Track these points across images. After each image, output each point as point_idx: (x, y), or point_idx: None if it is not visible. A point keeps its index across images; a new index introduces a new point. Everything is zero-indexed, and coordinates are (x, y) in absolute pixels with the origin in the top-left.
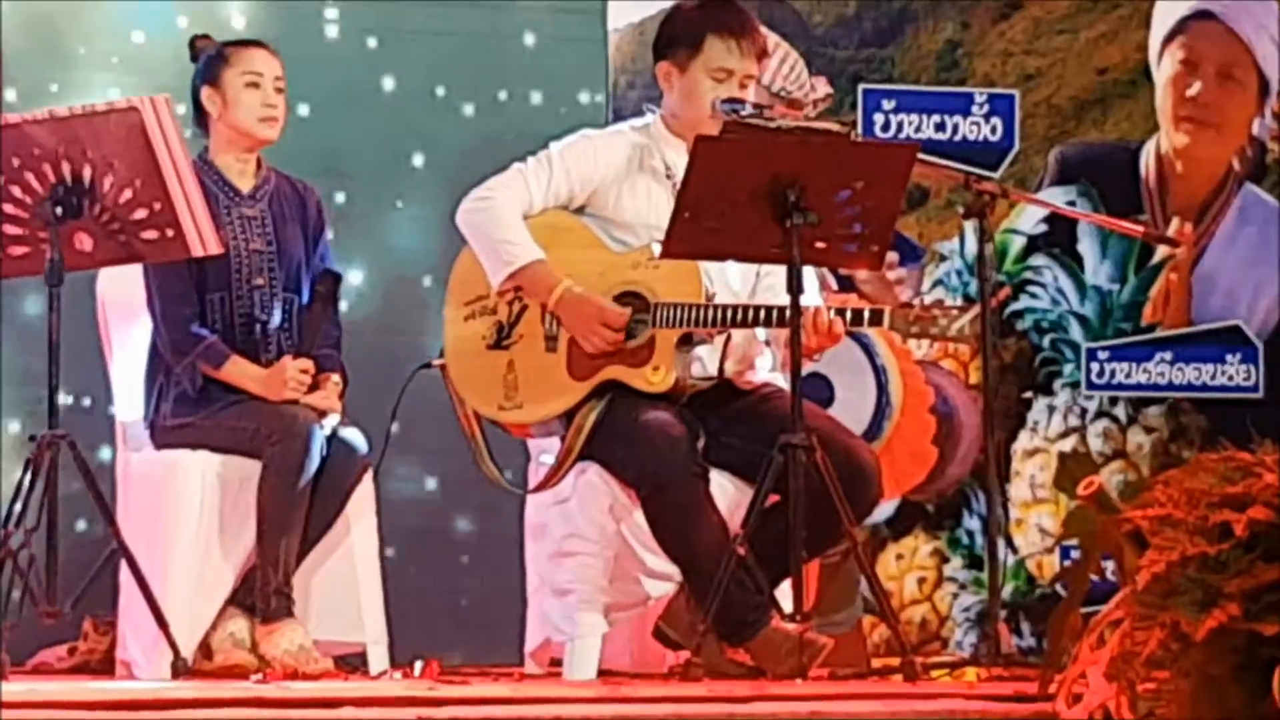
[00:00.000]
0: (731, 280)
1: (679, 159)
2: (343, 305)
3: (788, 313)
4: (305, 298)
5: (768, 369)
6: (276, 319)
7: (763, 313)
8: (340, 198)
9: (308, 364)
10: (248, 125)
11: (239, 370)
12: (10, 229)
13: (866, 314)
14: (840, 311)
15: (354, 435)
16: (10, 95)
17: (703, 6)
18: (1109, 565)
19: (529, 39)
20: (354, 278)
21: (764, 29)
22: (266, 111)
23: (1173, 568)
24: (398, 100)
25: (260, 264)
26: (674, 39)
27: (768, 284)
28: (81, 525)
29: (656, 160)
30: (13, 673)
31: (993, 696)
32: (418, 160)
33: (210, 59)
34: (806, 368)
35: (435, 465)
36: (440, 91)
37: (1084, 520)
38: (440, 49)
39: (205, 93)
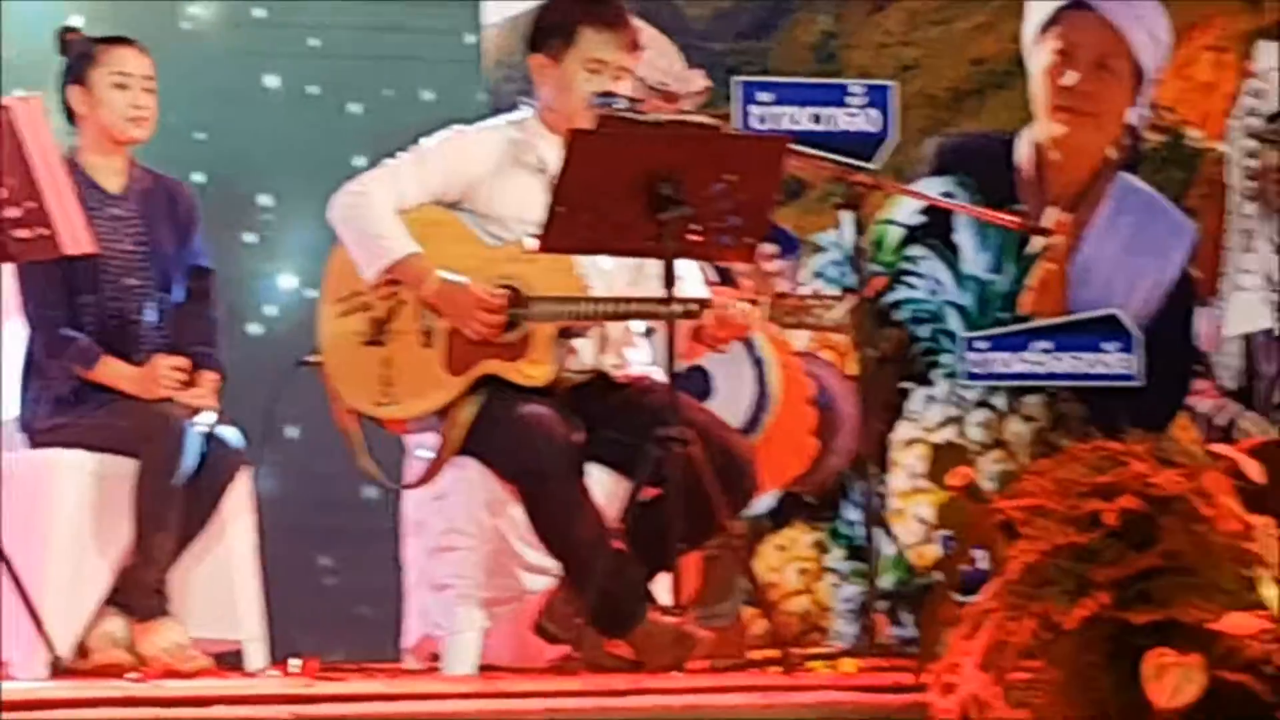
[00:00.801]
0: (610, 273)
1: (554, 153)
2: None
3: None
4: (178, 296)
5: (645, 362)
6: (150, 318)
7: (644, 306)
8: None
9: (181, 362)
10: (116, 126)
11: (111, 370)
12: None
13: (741, 305)
14: (713, 302)
15: (230, 433)
16: None
17: (580, 3)
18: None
19: (406, 35)
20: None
21: (640, 22)
22: (135, 112)
23: (1044, 557)
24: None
25: (131, 264)
26: (548, 31)
27: (648, 275)
28: None
29: (531, 155)
30: None
31: (868, 688)
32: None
33: (78, 57)
34: (685, 362)
35: (314, 461)
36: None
37: (957, 511)
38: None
39: (73, 92)
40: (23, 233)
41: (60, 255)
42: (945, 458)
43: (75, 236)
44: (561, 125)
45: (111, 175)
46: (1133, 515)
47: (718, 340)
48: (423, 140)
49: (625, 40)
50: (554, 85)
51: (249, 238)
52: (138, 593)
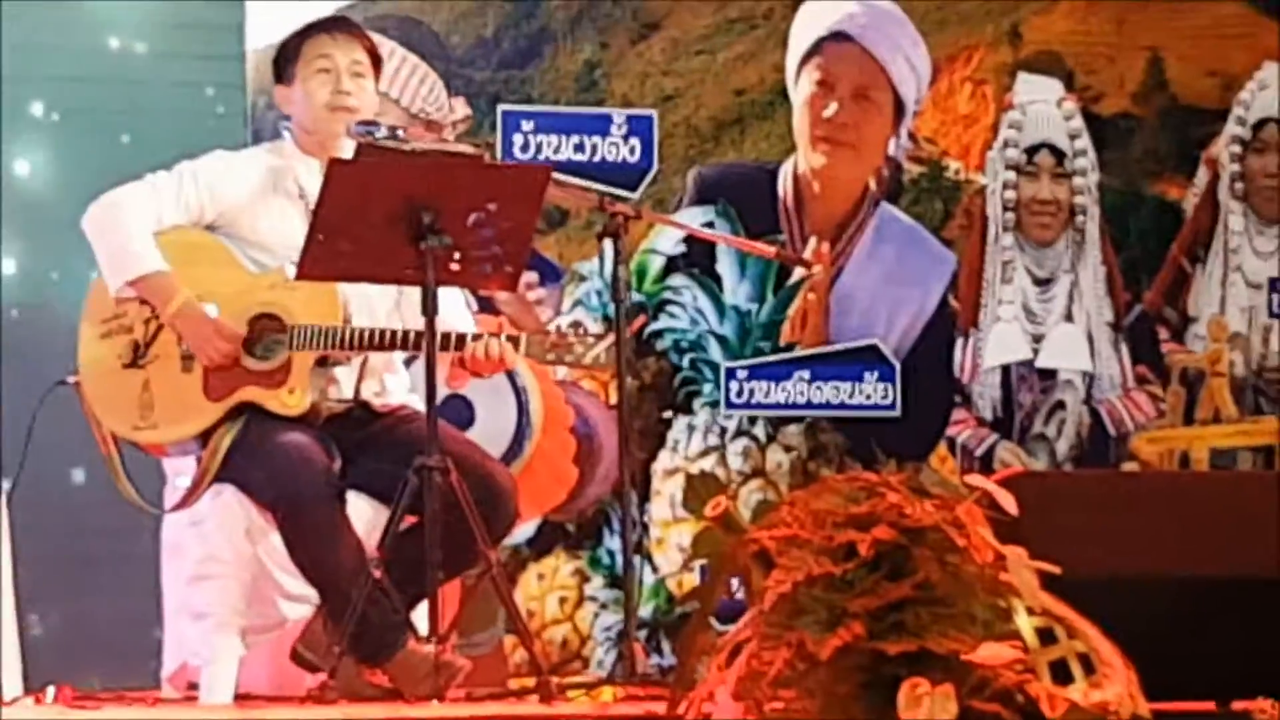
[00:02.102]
0: (373, 299)
1: (313, 178)
2: None
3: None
4: None
5: (405, 390)
6: None
7: (405, 337)
8: None
9: None
10: None
11: None
12: None
13: (503, 340)
14: (477, 337)
15: None
16: None
17: (304, 25)
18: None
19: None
20: None
21: (403, 50)
22: None
23: (799, 588)
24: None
25: None
26: (281, 59)
27: (410, 303)
28: None
29: (290, 181)
30: None
31: (625, 717)
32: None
33: None
34: (447, 390)
35: (71, 485)
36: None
37: (712, 541)
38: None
39: None
40: None
41: None
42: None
43: None
44: (316, 148)
45: None
46: (887, 546)
47: (479, 371)
48: (183, 162)
49: (349, 38)
50: (297, 106)
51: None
52: None
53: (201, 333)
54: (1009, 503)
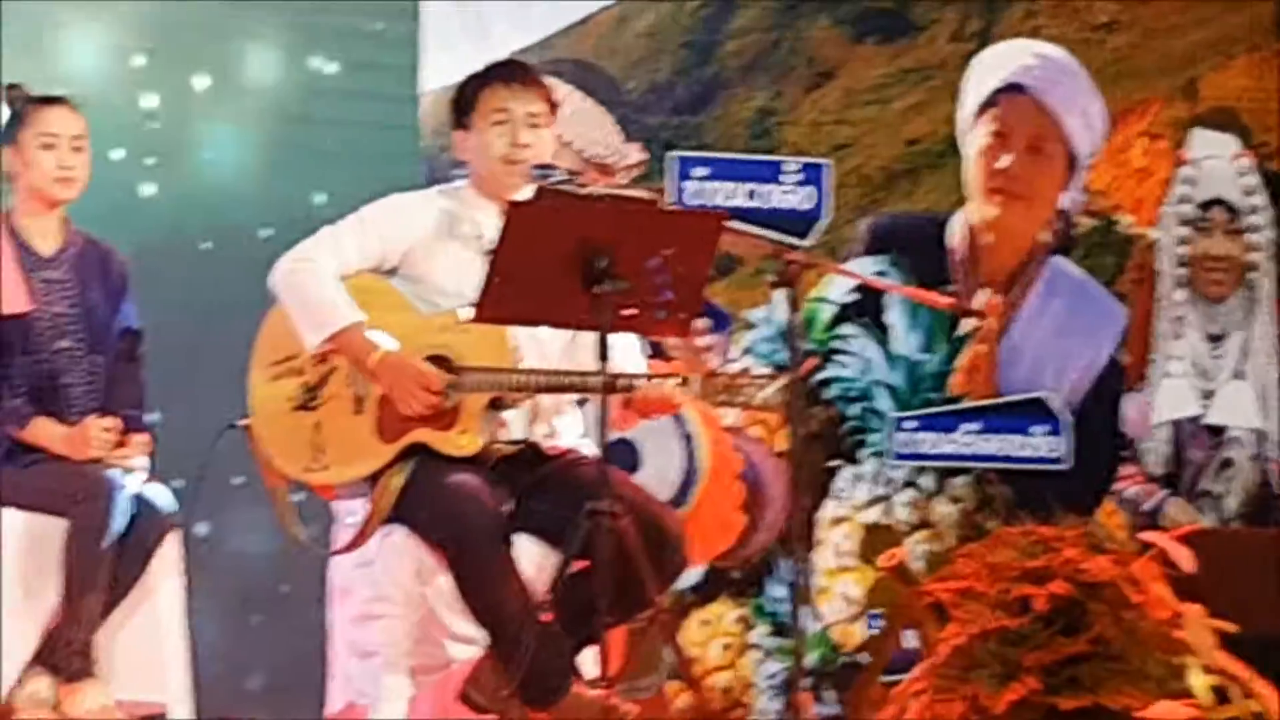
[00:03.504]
0: (544, 343)
1: (488, 222)
2: None
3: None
4: (109, 359)
5: (576, 434)
6: (80, 382)
7: (576, 379)
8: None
9: (112, 422)
10: (43, 186)
11: (43, 431)
12: None
13: (674, 381)
14: (648, 378)
15: (160, 494)
16: None
17: (482, 70)
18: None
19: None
20: None
21: (579, 94)
22: (61, 173)
23: (974, 641)
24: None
25: (63, 326)
26: (458, 105)
27: (582, 346)
28: None
29: (466, 224)
30: None
31: None
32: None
33: (11, 117)
34: (615, 434)
35: (242, 525)
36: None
37: (887, 591)
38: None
39: (5, 153)
40: None
41: None
42: (876, 538)
43: (10, 296)
44: (492, 193)
45: (45, 237)
46: (1063, 601)
47: (648, 413)
48: (364, 208)
49: (526, 88)
50: (474, 153)
51: None
52: (64, 653)
53: (404, 383)
54: (1186, 559)
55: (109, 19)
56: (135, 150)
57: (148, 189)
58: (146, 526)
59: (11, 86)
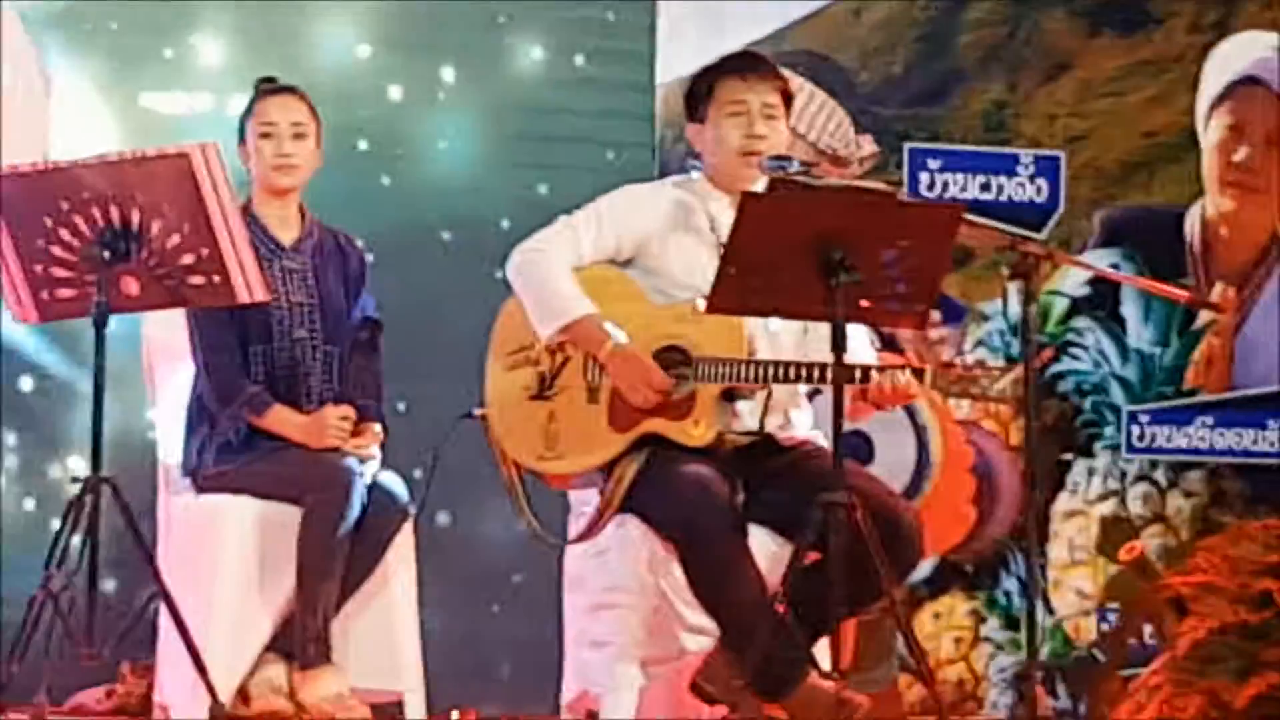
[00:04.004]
0: (777, 334)
1: (722, 213)
2: None
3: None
4: (346, 348)
5: (808, 425)
6: (318, 371)
7: (810, 370)
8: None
9: (348, 411)
10: (263, 174)
11: (281, 418)
12: (58, 271)
13: (908, 373)
14: (883, 370)
15: (394, 483)
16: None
17: (716, 61)
18: (1147, 629)
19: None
20: None
21: (812, 86)
22: (279, 160)
23: (1213, 635)
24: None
25: (302, 316)
26: (693, 97)
27: (815, 338)
28: (123, 568)
29: (700, 215)
30: (51, 713)
31: None
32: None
33: (244, 111)
34: (847, 425)
35: (475, 515)
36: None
37: (1125, 585)
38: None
39: (240, 147)
40: (197, 279)
41: (234, 303)
42: (1112, 531)
43: (249, 285)
44: (726, 184)
45: (284, 227)
46: None
47: (882, 404)
48: (600, 199)
49: (762, 79)
50: (709, 143)
51: None
52: (300, 641)
53: (634, 377)
54: None
55: (356, 12)
56: (380, 141)
57: (389, 179)
58: (381, 516)
59: (263, 80)
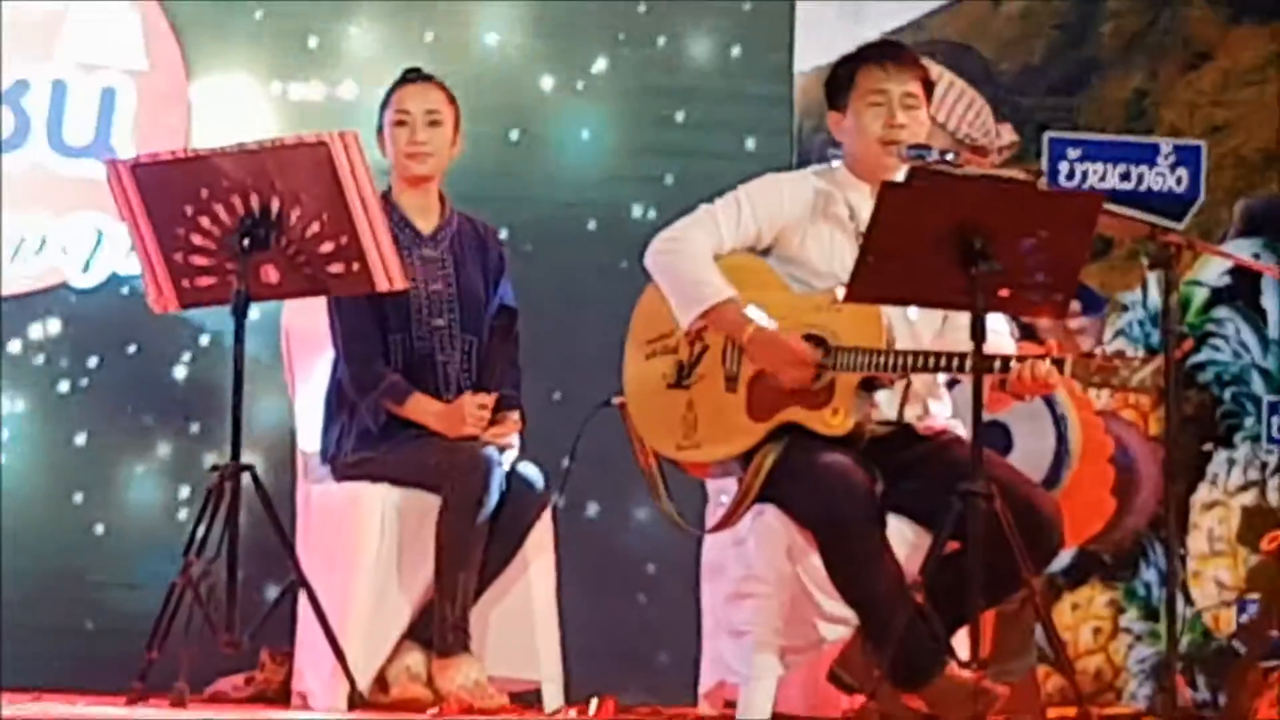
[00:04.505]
0: (915, 324)
1: (862, 202)
2: None
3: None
4: (485, 337)
5: (947, 415)
6: (456, 360)
7: (949, 359)
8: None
9: (487, 400)
10: (396, 162)
11: (421, 406)
12: (198, 259)
13: (1048, 362)
14: (1021, 359)
15: (532, 472)
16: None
17: (857, 51)
18: None
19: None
20: None
21: (951, 75)
22: (411, 148)
23: None
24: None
25: (440, 305)
26: (833, 86)
27: (954, 327)
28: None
29: (840, 205)
30: (191, 700)
31: None
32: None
33: (382, 103)
34: (986, 415)
35: (613, 504)
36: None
37: (1266, 576)
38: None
39: (378, 137)
40: (336, 267)
41: (373, 291)
42: (1254, 521)
43: (388, 273)
44: (866, 174)
45: (424, 216)
46: None
47: (1021, 394)
48: (740, 187)
49: (903, 69)
50: (849, 133)
51: None
52: (439, 629)
53: (779, 357)
54: None
55: (508, 3)
56: (532, 131)
57: (538, 169)
58: (520, 504)
59: (409, 71)
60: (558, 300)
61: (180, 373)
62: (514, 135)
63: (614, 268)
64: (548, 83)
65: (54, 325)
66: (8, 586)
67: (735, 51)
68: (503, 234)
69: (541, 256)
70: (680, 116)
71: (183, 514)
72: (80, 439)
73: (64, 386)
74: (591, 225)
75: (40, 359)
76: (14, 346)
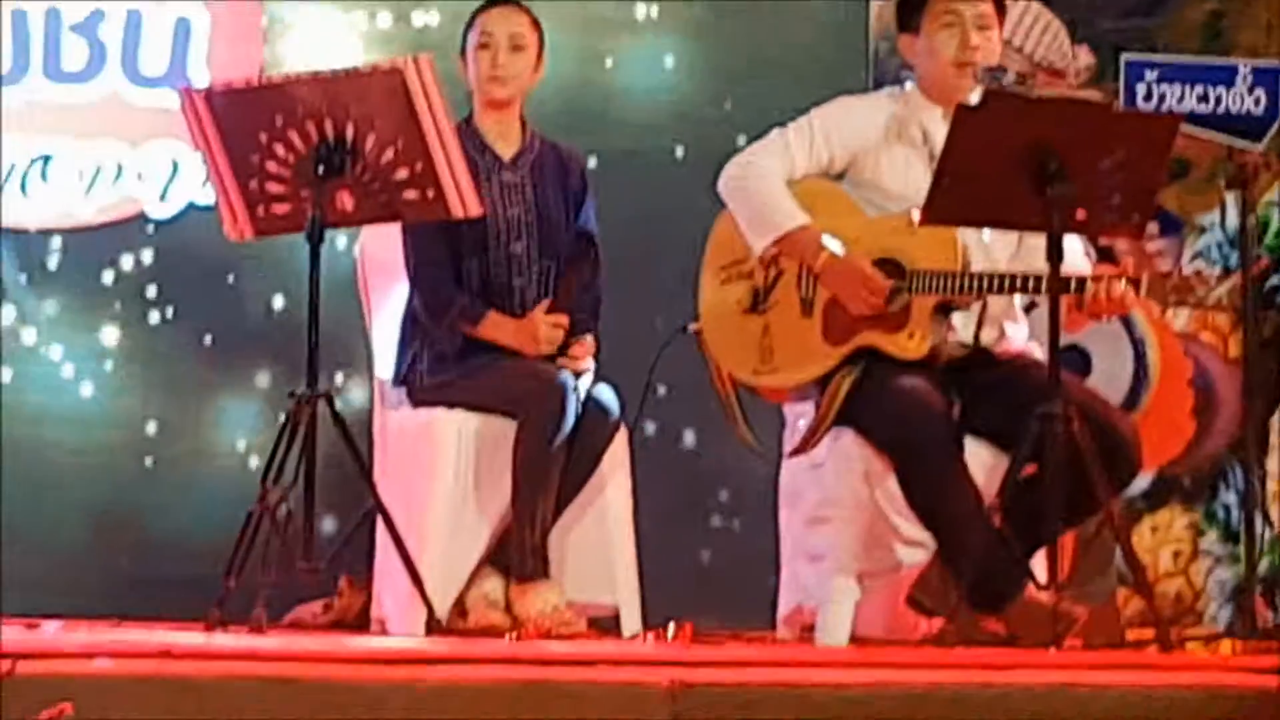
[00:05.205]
0: (990, 247)
1: (936, 126)
2: None
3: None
4: (562, 262)
5: (1024, 338)
6: (533, 285)
7: (1025, 281)
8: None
9: (560, 318)
10: (478, 86)
11: (495, 323)
12: (273, 187)
13: (1124, 282)
14: (1097, 279)
15: (607, 395)
16: None
17: None
18: None
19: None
20: None
21: None
22: (492, 71)
23: None
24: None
25: (519, 230)
26: (905, 8)
27: (1030, 250)
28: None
29: (914, 127)
30: (270, 627)
31: (1250, 669)
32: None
33: (465, 26)
34: (1064, 338)
35: (690, 428)
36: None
37: None
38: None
39: (460, 60)
40: (411, 194)
41: (448, 218)
42: None
43: (464, 200)
44: (940, 96)
45: (505, 141)
46: None
47: (1098, 314)
48: (812, 111)
49: None
50: (921, 55)
51: None
52: (517, 554)
53: (851, 284)
54: None
55: None
56: (622, 59)
57: (622, 95)
58: (594, 427)
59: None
60: (643, 226)
61: (279, 302)
62: (609, 63)
63: (702, 195)
64: (642, 11)
65: (146, 255)
66: (95, 518)
67: None
68: (592, 162)
69: (628, 184)
70: (755, 43)
71: None
72: (178, 369)
73: (155, 317)
74: (680, 152)
75: (132, 289)
76: (107, 277)
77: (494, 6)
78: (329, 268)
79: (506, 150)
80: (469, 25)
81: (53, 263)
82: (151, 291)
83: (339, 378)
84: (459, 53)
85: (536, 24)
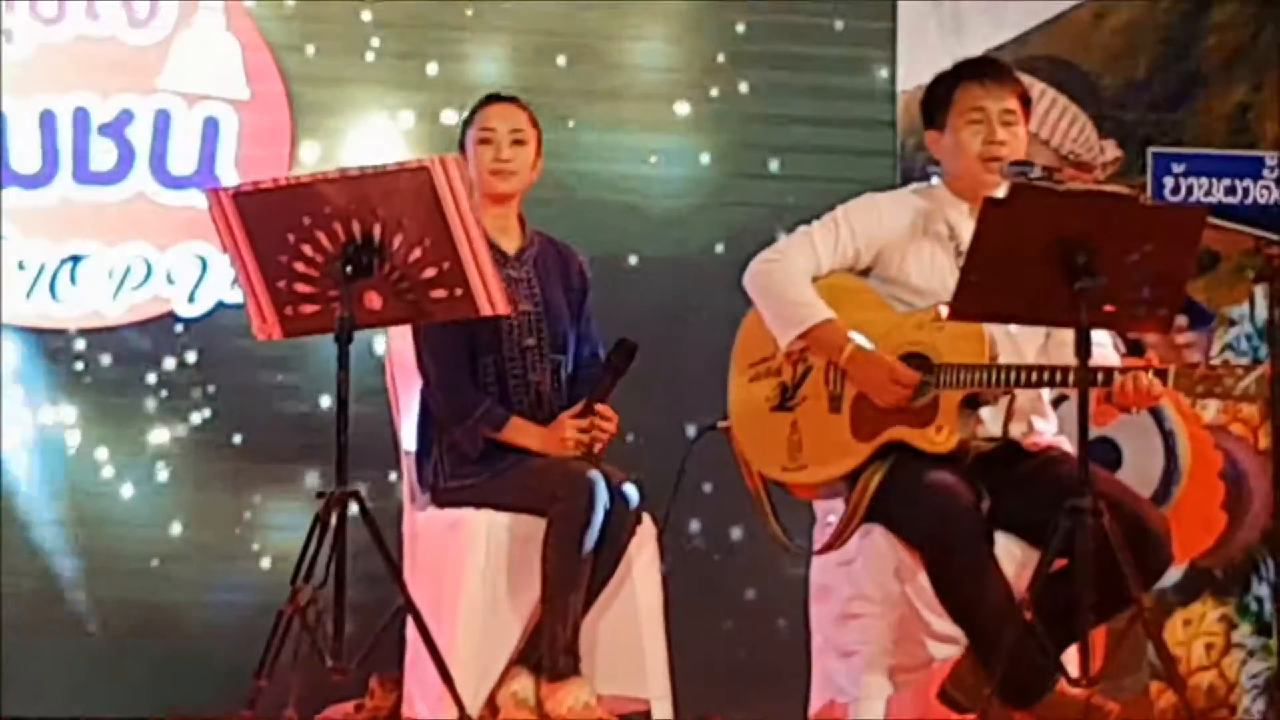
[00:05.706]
0: (1018, 340)
1: (962, 221)
2: None
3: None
4: (572, 361)
5: (1053, 431)
6: (547, 379)
7: (1054, 374)
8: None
9: (586, 421)
10: (480, 180)
11: (519, 429)
12: (301, 287)
13: (1151, 373)
14: (1124, 371)
15: (629, 488)
16: None
17: (953, 68)
18: None
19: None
20: None
21: (1054, 92)
22: (496, 165)
23: None
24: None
25: (529, 325)
26: (931, 104)
27: (1057, 344)
28: (369, 582)
29: (940, 223)
30: None
31: None
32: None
33: (464, 121)
34: (1093, 430)
35: (721, 525)
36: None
37: None
38: None
39: (461, 155)
40: (439, 292)
41: (476, 316)
42: None
43: (491, 297)
44: (966, 191)
45: (506, 235)
46: None
47: (1126, 406)
48: (838, 208)
49: (1001, 85)
50: (948, 150)
51: None
52: (549, 653)
53: (877, 376)
54: None
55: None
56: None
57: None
58: (620, 520)
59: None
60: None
61: (326, 401)
62: (656, 159)
63: (718, 293)
64: (683, 108)
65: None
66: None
67: (836, 71)
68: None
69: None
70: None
71: None
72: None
73: (196, 418)
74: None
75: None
76: (151, 377)
77: (494, 103)
78: (372, 366)
79: (509, 245)
80: (468, 121)
81: (82, 363)
82: (196, 393)
83: (391, 476)
84: (459, 146)
85: (534, 122)
